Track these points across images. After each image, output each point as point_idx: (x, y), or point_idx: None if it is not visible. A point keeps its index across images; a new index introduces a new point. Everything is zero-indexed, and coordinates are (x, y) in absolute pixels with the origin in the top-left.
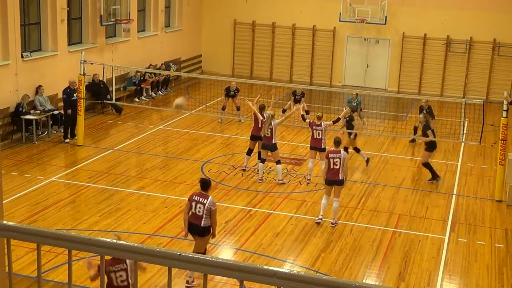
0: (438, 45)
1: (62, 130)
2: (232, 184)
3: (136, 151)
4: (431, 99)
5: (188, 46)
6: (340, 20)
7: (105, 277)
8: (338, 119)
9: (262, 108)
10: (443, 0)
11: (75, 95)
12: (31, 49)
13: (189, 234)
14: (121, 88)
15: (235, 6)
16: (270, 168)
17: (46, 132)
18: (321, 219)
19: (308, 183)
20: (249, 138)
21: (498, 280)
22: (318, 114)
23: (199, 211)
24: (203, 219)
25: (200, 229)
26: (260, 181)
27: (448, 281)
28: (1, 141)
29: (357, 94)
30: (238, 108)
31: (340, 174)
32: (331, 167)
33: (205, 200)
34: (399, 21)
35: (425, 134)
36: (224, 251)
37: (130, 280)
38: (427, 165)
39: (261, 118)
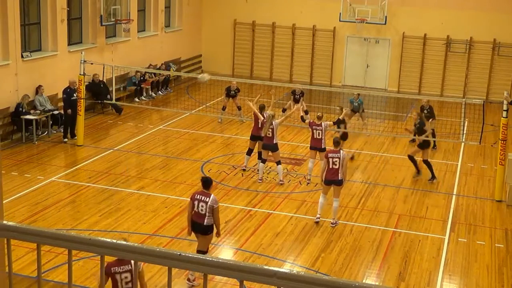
0: (438, 45)
1: (62, 130)
2: (232, 184)
3: (136, 151)
4: (431, 99)
5: (188, 46)
6: (340, 20)
7: (109, 279)
8: (339, 120)
9: (262, 108)
10: (443, 0)
11: (75, 95)
12: (31, 49)
13: (192, 233)
14: (121, 88)
15: (235, 6)
16: (270, 168)
17: (46, 132)
18: (319, 218)
19: (308, 183)
20: (249, 138)
21: (498, 280)
22: (318, 114)
23: (201, 210)
24: (206, 217)
25: (203, 227)
26: (260, 181)
27: (448, 281)
28: (1, 141)
29: (358, 94)
30: (239, 108)
31: (339, 174)
32: (330, 166)
33: (207, 198)
34: (399, 21)
35: (420, 131)
36: (224, 251)
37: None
38: (411, 158)
39: (262, 118)
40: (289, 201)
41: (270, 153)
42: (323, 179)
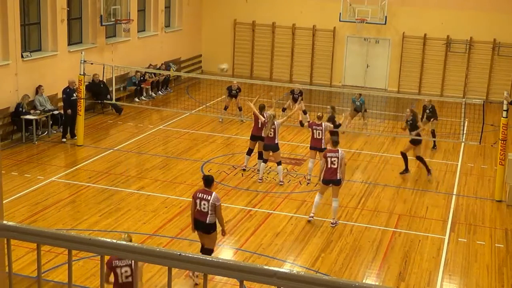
0: (438, 45)
1: (62, 130)
2: (232, 184)
3: (136, 151)
4: (431, 99)
5: (188, 46)
6: (340, 20)
7: (111, 275)
8: (339, 125)
9: (262, 108)
10: (443, 0)
11: (74, 95)
12: (31, 49)
13: (195, 231)
14: (121, 88)
15: (235, 6)
16: (270, 168)
17: (46, 132)
18: (312, 217)
19: (308, 183)
20: (249, 138)
21: (498, 280)
22: (319, 114)
23: (204, 208)
24: (209, 215)
25: (205, 225)
26: (260, 181)
27: (448, 281)
28: (1, 141)
29: (360, 94)
30: (240, 109)
31: (338, 174)
32: (329, 166)
33: (209, 196)
34: (399, 21)
35: (412, 128)
36: (224, 251)
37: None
38: (403, 155)
39: (263, 119)
40: (289, 201)
41: (271, 153)
42: (321, 178)
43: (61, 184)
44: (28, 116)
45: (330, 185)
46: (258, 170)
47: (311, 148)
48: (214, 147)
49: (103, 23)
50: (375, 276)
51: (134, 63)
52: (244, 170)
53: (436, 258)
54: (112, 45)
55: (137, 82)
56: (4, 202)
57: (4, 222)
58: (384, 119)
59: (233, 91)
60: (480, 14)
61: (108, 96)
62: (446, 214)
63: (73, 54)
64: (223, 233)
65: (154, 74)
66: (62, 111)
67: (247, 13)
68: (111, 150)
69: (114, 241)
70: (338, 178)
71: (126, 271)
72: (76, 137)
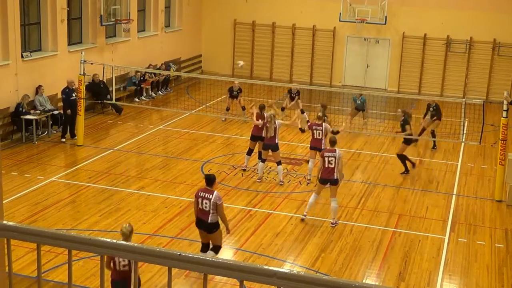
0: (438, 45)
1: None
2: (232, 184)
3: (136, 151)
4: (431, 99)
5: (188, 46)
6: (340, 20)
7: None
8: (338, 132)
9: (262, 108)
10: (443, 0)
11: (73, 94)
12: (31, 49)
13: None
14: (121, 88)
15: (235, 6)
16: (270, 168)
17: (46, 132)
18: (305, 216)
19: (308, 183)
20: (249, 138)
21: (498, 280)
22: (319, 114)
23: (205, 207)
24: (210, 214)
25: (207, 224)
26: (259, 181)
27: (448, 281)
28: (1, 141)
29: (361, 94)
30: (243, 108)
31: (335, 174)
32: (326, 165)
33: (211, 195)
34: (399, 21)
35: (403, 129)
36: (224, 251)
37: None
38: (401, 156)
39: (261, 123)
40: (289, 201)
41: (270, 153)
42: (318, 178)
43: (61, 184)
44: (28, 116)
45: (328, 184)
46: (258, 170)
47: (311, 148)
48: (214, 147)
49: (103, 23)
50: (375, 276)
51: (134, 63)
52: (244, 170)
53: (436, 258)
54: (112, 45)
55: (137, 82)
56: (4, 202)
57: (4, 222)
58: (384, 119)
59: (234, 92)
60: (480, 14)
61: (108, 96)
62: (446, 214)
63: (73, 54)
64: (227, 231)
65: (154, 74)
66: (62, 111)
67: (247, 13)
68: (111, 150)
69: (114, 241)
70: (335, 177)
71: (123, 260)
72: (76, 137)
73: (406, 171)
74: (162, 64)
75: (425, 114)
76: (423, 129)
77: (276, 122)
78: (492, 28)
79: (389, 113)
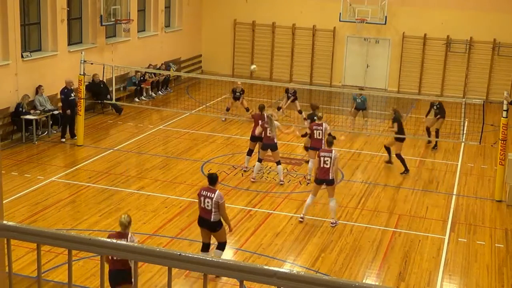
0: (438, 45)
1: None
2: (232, 184)
3: (136, 151)
4: (431, 99)
5: (188, 46)
6: (340, 20)
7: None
8: (334, 138)
9: (261, 108)
10: (443, 0)
11: (72, 95)
12: (31, 49)
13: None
14: (121, 88)
15: (235, 6)
16: (270, 168)
17: (46, 132)
18: (302, 218)
19: (308, 183)
20: (249, 138)
21: (498, 280)
22: (319, 114)
23: (207, 206)
24: (213, 213)
25: (210, 223)
26: (254, 180)
27: (448, 281)
28: (1, 141)
29: (361, 94)
30: (247, 109)
31: (330, 174)
32: (321, 165)
33: (213, 194)
34: (399, 21)
35: (393, 126)
36: (224, 251)
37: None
38: (399, 156)
39: (260, 130)
40: (289, 201)
41: (269, 153)
42: (314, 178)
43: (61, 184)
44: (28, 116)
45: (324, 185)
46: (254, 170)
47: (311, 148)
48: (214, 147)
49: (103, 23)
50: (375, 276)
51: (134, 63)
52: (244, 170)
53: (436, 258)
54: (112, 45)
55: (137, 82)
56: (4, 202)
57: (4, 222)
58: (384, 119)
59: (237, 93)
60: (480, 14)
61: (108, 96)
62: (446, 214)
63: (73, 54)
64: (230, 229)
65: (154, 74)
66: (61, 111)
67: (247, 13)
68: (111, 150)
69: (114, 241)
70: (330, 178)
71: None
72: (76, 137)
73: (406, 171)
74: (162, 64)
75: (428, 113)
76: (428, 128)
77: (275, 122)
78: (492, 28)
79: (389, 113)
